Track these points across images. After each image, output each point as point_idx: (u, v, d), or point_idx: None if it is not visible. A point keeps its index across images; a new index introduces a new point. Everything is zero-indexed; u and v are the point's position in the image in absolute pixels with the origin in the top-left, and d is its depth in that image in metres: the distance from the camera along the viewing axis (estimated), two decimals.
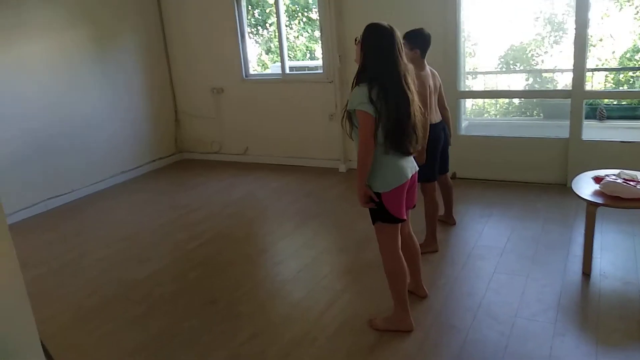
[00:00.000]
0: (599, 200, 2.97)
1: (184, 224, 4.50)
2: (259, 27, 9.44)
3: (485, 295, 2.96)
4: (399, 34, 2.43)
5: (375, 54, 2.39)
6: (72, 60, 5.31)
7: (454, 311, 2.86)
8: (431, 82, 3.35)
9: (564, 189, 4.58)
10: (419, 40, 3.32)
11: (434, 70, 3.50)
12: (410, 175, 2.53)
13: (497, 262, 3.35)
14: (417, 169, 2.64)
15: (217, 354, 2.61)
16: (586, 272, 3.11)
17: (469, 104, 5.58)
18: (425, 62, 3.38)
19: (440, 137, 3.48)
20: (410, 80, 2.43)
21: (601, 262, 3.25)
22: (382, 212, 2.50)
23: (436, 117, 3.46)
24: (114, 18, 5.76)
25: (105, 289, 3.43)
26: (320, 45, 5.65)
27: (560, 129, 4.81)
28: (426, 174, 3.33)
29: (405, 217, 2.60)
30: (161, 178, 6.08)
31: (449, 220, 4.05)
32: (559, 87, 5.46)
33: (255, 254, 3.86)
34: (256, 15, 9.04)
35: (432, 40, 3.38)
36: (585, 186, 3.17)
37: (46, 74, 5.05)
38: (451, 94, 4.94)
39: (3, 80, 4.65)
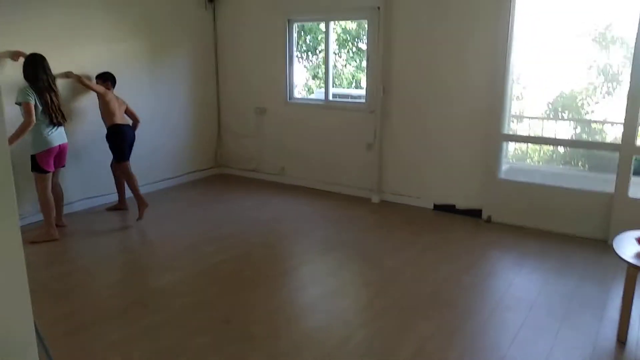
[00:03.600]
0: None
1: (212, 237, 4.52)
2: (309, 53, 9.58)
3: (509, 351, 2.82)
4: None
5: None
6: (130, 68, 5.53)
7: None
8: (113, 98, 4.91)
9: (605, 246, 4.36)
10: (103, 77, 4.94)
11: (117, 95, 5.01)
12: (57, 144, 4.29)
13: (526, 316, 3.19)
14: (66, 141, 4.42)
15: None
16: (621, 339, 2.92)
17: (511, 147, 5.42)
18: (112, 89, 4.97)
19: (126, 133, 4.95)
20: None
21: (639, 330, 3.05)
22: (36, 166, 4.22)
23: (123, 121, 4.97)
24: (171, 35, 6.00)
25: (126, 293, 3.46)
26: (365, 74, 5.66)
27: (605, 183, 4.60)
28: (117, 157, 4.92)
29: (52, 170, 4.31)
30: (198, 189, 6.17)
31: (122, 206, 5.23)
32: (608, 139, 5.24)
33: (277, 276, 3.83)
34: (307, 41, 9.19)
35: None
36: (628, 246, 3.00)
37: None
38: (494, 137, 4.85)
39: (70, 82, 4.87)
